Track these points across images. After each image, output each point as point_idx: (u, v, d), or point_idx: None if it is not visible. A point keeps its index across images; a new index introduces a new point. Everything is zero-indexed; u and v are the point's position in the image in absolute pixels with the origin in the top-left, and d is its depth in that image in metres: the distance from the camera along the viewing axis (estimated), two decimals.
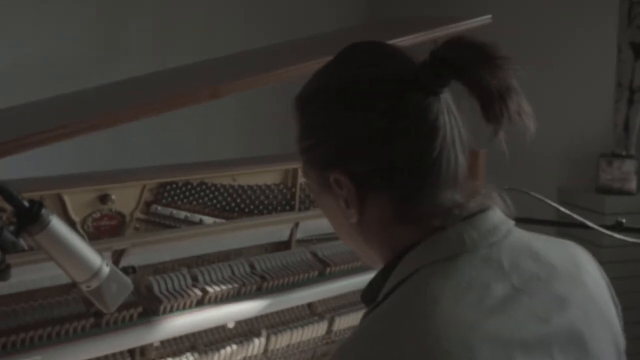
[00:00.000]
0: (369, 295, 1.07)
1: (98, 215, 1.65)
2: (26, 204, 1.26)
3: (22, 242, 1.27)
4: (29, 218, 1.25)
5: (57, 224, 1.28)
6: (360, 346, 0.93)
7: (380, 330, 0.93)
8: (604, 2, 3.55)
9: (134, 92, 1.62)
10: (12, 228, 1.24)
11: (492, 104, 0.94)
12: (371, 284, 1.08)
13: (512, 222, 1.04)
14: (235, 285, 1.75)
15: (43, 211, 1.26)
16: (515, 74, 0.94)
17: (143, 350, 1.64)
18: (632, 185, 3.31)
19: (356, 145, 1.01)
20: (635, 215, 2.62)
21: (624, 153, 3.33)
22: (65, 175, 1.67)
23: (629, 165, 3.31)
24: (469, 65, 0.95)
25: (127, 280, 1.38)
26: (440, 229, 1.00)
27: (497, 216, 1.03)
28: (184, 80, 1.71)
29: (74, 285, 1.59)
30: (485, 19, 2.14)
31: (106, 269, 1.34)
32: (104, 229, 1.66)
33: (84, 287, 1.33)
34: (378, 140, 1.00)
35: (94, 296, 1.35)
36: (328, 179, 1.04)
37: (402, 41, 1.99)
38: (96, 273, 1.32)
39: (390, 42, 1.95)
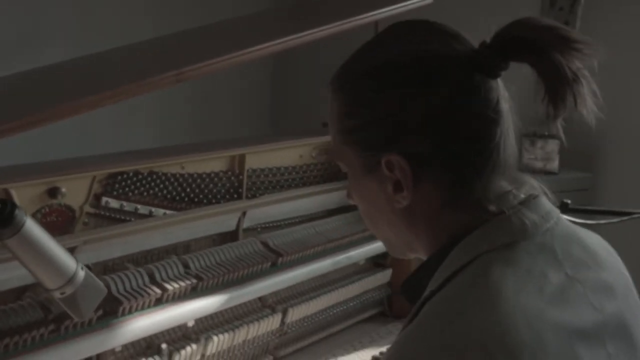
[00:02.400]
0: (413, 286, 1.04)
1: (47, 210, 1.50)
2: None
3: None
4: (1, 220, 1.11)
5: (31, 226, 1.15)
6: (426, 336, 0.89)
7: (445, 320, 0.89)
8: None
9: (91, 78, 1.47)
10: None
11: (562, 88, 0.92)
12: (416, 273, 1.05)
13: (558, 210, 1.01)
14: (194, 280, 1.64)
15: (17, 212, 1.12)
16: (590, 59, 0.91)
17: (99, 356, 1.51)
18: (555, 164, 3.38)
19: (418, 125, 0.96)
20: (558, 194, 2.68)
21: (546, 133, 3.41)
22: (11, 167, 1.50)
23: (552, 145, 3.38)
24: (547, 45, 0.91)
25: (101, 284, 1.27)
26: (497, 215, 0.97)
27: (548, 203, 1.01)
28: (139, 65, 1.57)
29: (24, 290, 1.47)
30: (427, 1, 2.10)
31: (81, 274, 1.22)
32: (53, 226, 1.51)
33: (57, 294, 1.21)
34: (441, 120, 0.96)
35: (68, 303, 1.23)
36: (377, 162, 0.99)
37: (343, 24, 1.93)
38: (71, 278, 1.20)
39: (331, 25, 1.92)
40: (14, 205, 1.12)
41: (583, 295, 0.95)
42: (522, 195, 1.00)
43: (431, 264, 1.00)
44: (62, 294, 1.20)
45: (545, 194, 1.03)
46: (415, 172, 0.98)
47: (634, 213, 2.06)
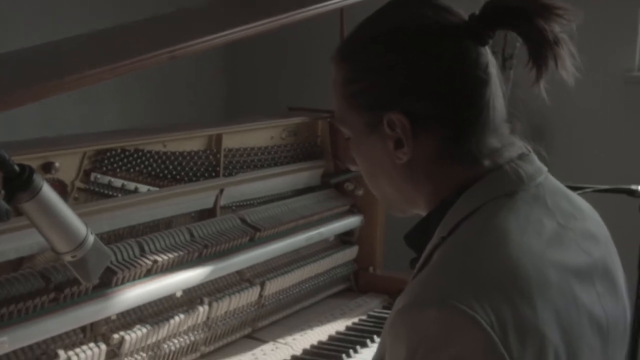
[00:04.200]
0: (418, 236, 1.12)
1: None
2: (17, 168, 1.16)
3: None
4: (19, 184, 1.16)
5: (47, 190, 1.19)
6: (445, 275, 0.98)
7: (462, 260, 0.99)
8: None
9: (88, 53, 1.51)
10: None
11: (544, 50, 1.02)
12: (420, 224, 1.13)
13: (545, 167, 1.11)
14: (181, 253, 1.70)
15: (34, 176, 1.17)
16: (569, 24, 1.02)
17: (93, 325, 1.56)
18: None
19: (418, 85, 1.06)
20: None
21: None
22: (6, 142, 1.54)
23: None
24: (531, 12, 1.02)
25: (107, 249, 1.32)
26: (493, 169, 1.07)
27: (537, 160, 1.11)
28: (132, 42, 1.62)
29: (21, 261, 1.51)
30: None
31: (91, 238, 1.27)
32: None
33: (68, 258, 1.25)
34: (438, 81, 1.05)
35: (77, 267, 1.28)
36: (379, 121, 1.08)
37: (308, 10, 2.00)
38: (82, 242, 1.25)
39: (299, 10, 2.00)
40: (32, 170, 1.16)
41: (574, 241, 1.06)
42: (514, 153, 1.10)
43: (435, 215, 1.09)
44: (73, 257, 1.25)
45: (532, 152, 1.14)
46: (414, 128, 1.07)
47: (584, 187, 2.20)
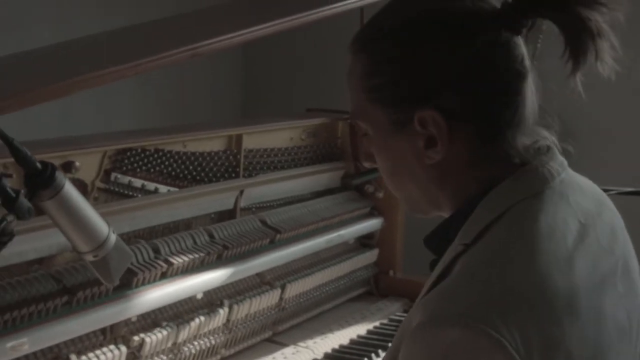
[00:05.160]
0: (438, 238, 1.06)
1: None
2: (39, 165, 1.14)
3: None
4: (41, 182, 1.14)
5: (69, 188, 1.17)
6: (471, 288, 0.91)
7: (488, 272, 0.92)
8: None
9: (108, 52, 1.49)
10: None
11: (586, 41, 0.96)
12: (441, 227, 1.07)
13: (566, 161, 1.07)
14: (201, 254, 1.68)
15: (57, 174, 1.15)
16: (615, 13, 0.96)
17: (113, 327, 1.54)
18: None
19: (453, 80, 0.98)
20: None
21: None
22: (25, 142, 1.52)
23: None
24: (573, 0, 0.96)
25: (128, 249, 1.29)
26: (522, 166, 1.01)
27: (559, 154, 1.06)
28: (153, 41, 1.60)
29: (35, 263, 1.48)
30: None
31: (113, 237, 1.25)
32: None
33: (90, 257, 1.23)
34: (475, 75, 0.98)
35: (99, 267, 1.25)
36: (409, 118, 1.00)
37: (329, 9, 1.98)
38: (104, 242, 1.22)
39: (319, 8, 1.97)
40: (54, 168, 1.14)
41: (596, 240, 1.01)
42: (538, 147, 1.05)
43: (459, 217, 1.03)
44: (95, 256, 1.22)
45: (555, 144, 1.09)
46: (449, 126, 0.99)
47: (609, 190, 2.16)
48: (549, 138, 1.08)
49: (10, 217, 1.08)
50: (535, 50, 2.70)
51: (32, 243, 1.44)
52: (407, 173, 1.06)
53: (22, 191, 1.10)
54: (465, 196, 1.03)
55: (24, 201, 1.10)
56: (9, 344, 1.31)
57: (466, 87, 0.99)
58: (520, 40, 1.01)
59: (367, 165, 1.15)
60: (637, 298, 1.07)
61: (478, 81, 0.99)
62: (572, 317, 0.90)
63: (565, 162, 1.07)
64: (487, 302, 0.88)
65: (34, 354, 1.39)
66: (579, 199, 1.04)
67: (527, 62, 1.02)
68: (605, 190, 2.14)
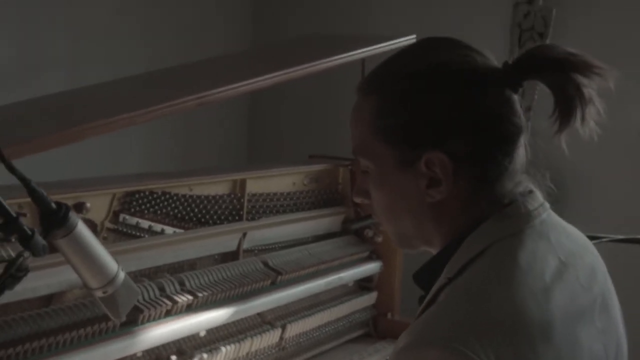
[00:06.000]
0: (427, 275, 1.13)
1: None
2: (54, 206, 1.22)
3: None
4: (56, 221, 1.21)
5: (82, 227, 1.25)
6: (451, 315, 0.99)
7: (467, 301, 1.01)
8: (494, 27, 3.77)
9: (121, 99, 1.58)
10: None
11: (574, 105, 1.05)
12: (430, 263, 1.15)
13: (548, 204, 1.15)
14: (205, 293, 1.75)
15: (70, 214, 1.22)
16: (604, 84, 1.05)
17: None
18: None
19: (464, 128, 1.07)
20: None
21: None
22: (40, 182, 1.60)
23: None
24: (570, 66, 1.05)
25: (136, 287, 1.36)
26: (507, 205, 1.10)
27: (540, 196, 1.15)
28: (162, 91, 1.69)
29: (51, 298, 1.56)
30: (410, 38, 2.26)
31: (122, 275, 1.32)
32: None
33: (99, 294, 1.30)
34: (484, 124, 1.07)
35: (108, 303, 1.32)
36: (416, 158, 1.08)
37: (332, 60, 2.08)
38: (113, 278, 1.29)
39: (323, 60, 2.07)
40: (68, 208, 1.22)
41: (575, 278, 1.09)
42: (522, 190, 1.13)
43: (446, 253, 1.11)
44: (104, 292, 1.29)
45: (538, 189, 1.17)
46: (454, 169, 1.08)
47: (600, 237, 2.22)
48: (532, 185, 1.16)
49: (26, 254, 1.15)
50: (531, 103, 2.80)
51: (44, 280, 1.51)
52: (405, 209, 1.14)
53: (37, 230, 1.18)
54: (456, 233, 1.11)
55: (39, 239, 1.18)
56: None
57: (473, 134, 1.07)
58: (518, 98, 1.10)
59: (357, 201, 1.23)
60: (616, 335, 1.14)
61: (484, 130, 1.08)
62: (547, 343, 0.97)
63: (547, 205, 1.15)
64: (465, 327, 0.96)
65: None
66: (562, 239, 1.12)
67: (523, 118, 1.11)
68: (596, 238, 2.22)
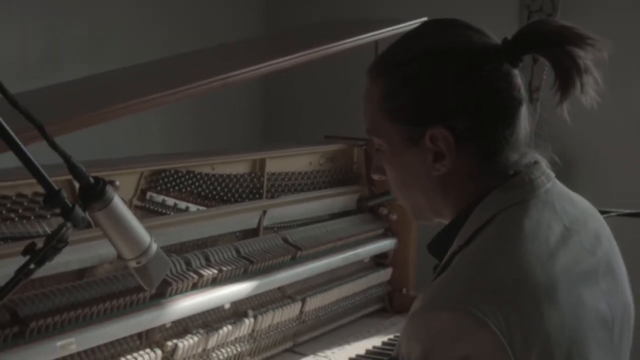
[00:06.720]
0: (440, 244, 1.20)
1: None
2: (92, 180, 1.29)
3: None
4: (94, 195, 1.28)
5: (117, 201, 1.31)
6: (460, 279, 1.07)
7: (476, 266, 1.08)
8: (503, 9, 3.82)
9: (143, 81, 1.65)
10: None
11: (572, 76, 1.11)
12: (442, 234, 1.21)
13: (553, 173, 1.22)
14: (229, 267, 1.82)
15: (107, 189, 1.29)
16: (599, 53, 1.12)
17: (148, 332, 1.68)
18: None
19: (463, 103, 1.14)
20: None
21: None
22: None
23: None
24: (566, 40, 1.11)
25: (167, 258, 1.43)
26: (512, 176, 1.16)
27: (545, 167, 1.21)
28: (185, 73, 1.76)
29: (83, 272, 1.63)
30: (421, 20, 2.31)
31: (154, 246, 1.38)
32: None
33: (133, 264, 1.36)
34: (484, 100, 1.14)
35: (141, 273, 1.39)
36: (421, 135, 1.15)
37: (346, 42, 2.15)
38: (147, 249, 1.36)
39: (338, 42, 2.13)
40: (105, 182, 1.29)
41: (579, 242, 1.16)
42: (527, 161, 1.19)
43: (457, 223, 1.18)
44: (138, 263, 1.36)
45: (543, 160, 1.23)
46: (456, 143, 1.15)
47: (609, 211, 2.28)
48: (538, 155, 1.23)
49: (68, 224, 1.23)
50: (540, 83, 2.88)
51: (77, 254, 1.58)
52: (415, 183, 1.21)
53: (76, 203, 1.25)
54: (464, 204, 1.18)
55: (79, 211, 1.25)
56: (59, 343, 1.46)
57: (473, 109, 1.14)
58: (517, 72, 1.17)
59: (375, 177, 1.31)
60: (623, 298, 1.21)
61: (484, 105, 1.14)
62: (551, 305, 1.04)
63: (552, 174, 1.21)
64: (474, 291, 1.03)
65: (78, 354, 1.53)
66: (567, 207, 1.19)
67: (523, 91, 1.18)
68: (605, 212, 2.28)
